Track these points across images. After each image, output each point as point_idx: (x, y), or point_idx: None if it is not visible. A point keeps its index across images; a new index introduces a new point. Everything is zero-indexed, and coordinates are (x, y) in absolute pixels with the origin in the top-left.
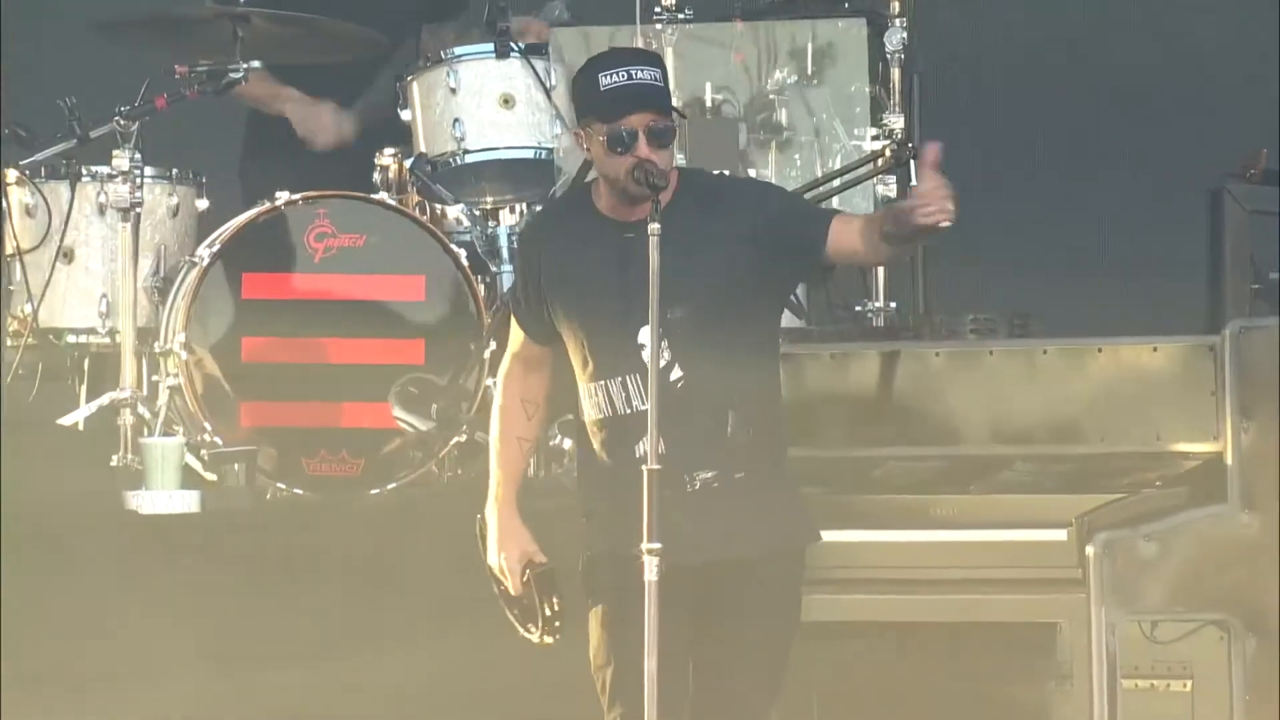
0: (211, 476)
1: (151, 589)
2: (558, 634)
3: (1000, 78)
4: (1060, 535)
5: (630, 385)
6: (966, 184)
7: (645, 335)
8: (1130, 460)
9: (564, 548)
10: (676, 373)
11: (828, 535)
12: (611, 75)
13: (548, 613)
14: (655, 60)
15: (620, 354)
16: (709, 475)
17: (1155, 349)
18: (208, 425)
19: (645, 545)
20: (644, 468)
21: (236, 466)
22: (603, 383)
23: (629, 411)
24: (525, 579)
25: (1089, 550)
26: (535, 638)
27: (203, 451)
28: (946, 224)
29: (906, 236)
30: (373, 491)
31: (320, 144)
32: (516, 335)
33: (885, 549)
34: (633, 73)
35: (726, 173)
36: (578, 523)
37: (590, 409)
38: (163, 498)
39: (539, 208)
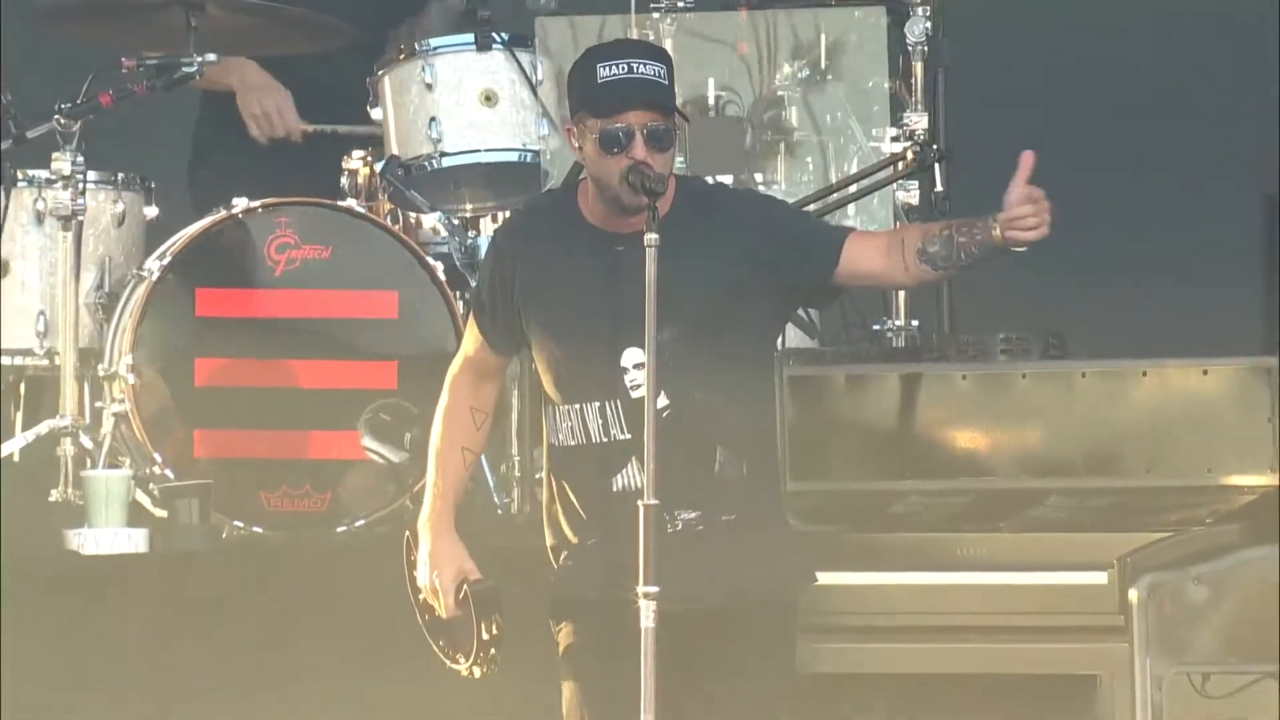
0: (161, 513)
1: (94, 638)
2: (493, 665)
3: (1034, 72)
4: (1100, 578)
5: (609, 411)
6: (996, 189)
7: (630, 358)
8: (1178, 495)
9: (546, 590)
10: (662, 400)
11: (842, 578)
12: (610, 67)
13: (485, 636)
14: (661, 55)
15: (601, 377)
16: (692, 516)
17: (1206, 371)
18: (157, 456)
19: (642, 588)
20: (639, 503)
21: (189, 502)
22: (578, 406)
23: (606, 440)
24: (461, 596)
25: (1132, 594)
26: (463, 667)
27: (152, 485)
28: (1035, 236)
29: (965, 258)
30: (340, 529)
31: (259, 132)
32: (474, 339)
33: (906, 593)
34: (634, 66)
35: (729, 180)
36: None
37: (561, 434)
38: (107, 537)
39: (519, 207)
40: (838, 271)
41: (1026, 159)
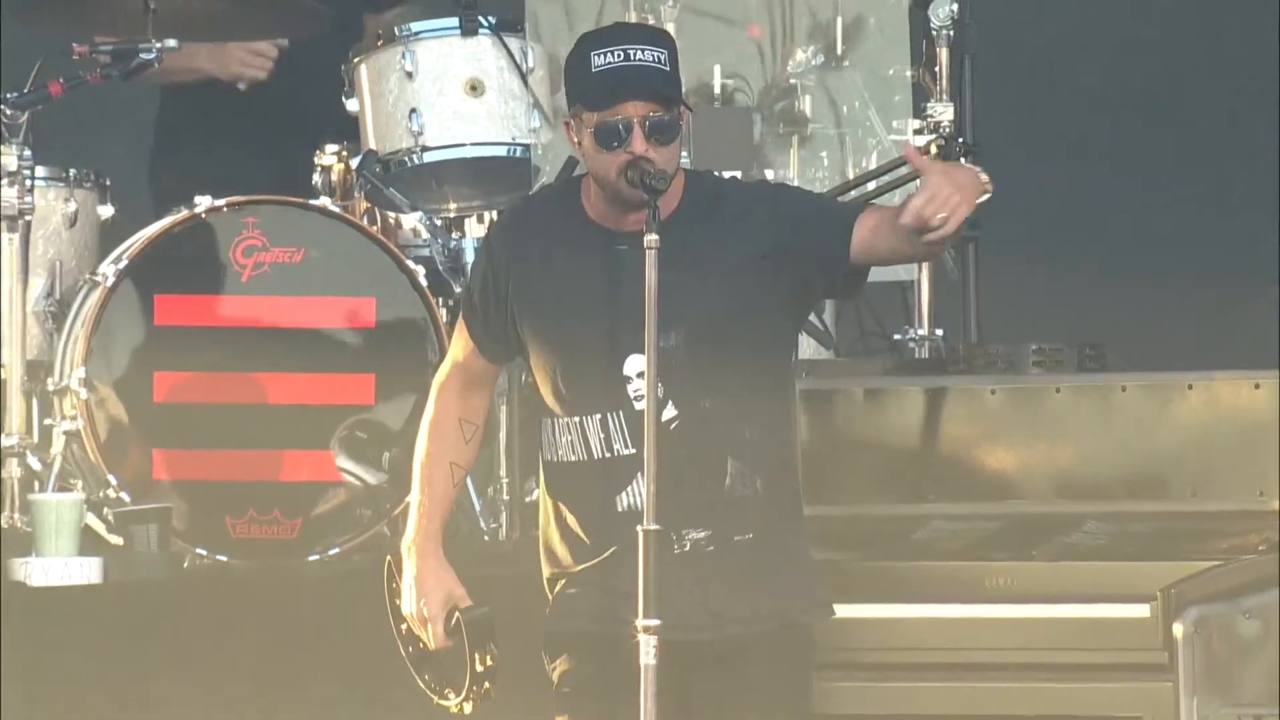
0: (117, 540)
1: (42, 676)
2: (486, 699)
3: (1068, 59)
4: (1142, 611)
5: (612, 424)
6: (1026, 187)
7: (632, 366)
8: (1227, 520)
9: (538, 622)
10: (670, 411)
11: (860, 610)
12: (606, 54)
13: (479, 668)
14: (663, 40)
15: (602, 386)
16: (701, 536)
17: (1257, 385)
18: (112, 478)
19: (640, 621)
20: (639, 528)
21: (147, 528)
22: (578, 419)
23: (609, 456)
24: (453, 624)
25: (1177, 629)
26: (453, 703)
27: (106, 510)
28: (953, 227)
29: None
30: (312, 558)
31: (256, 71)
32: (463, 344)
33: (929, 627)
34: (631, 52)
35: (738, 175)
36: (542, 591)
37: (560, 450)
38: (58, 566)
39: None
40: (853, 251)
41: (907, 150)
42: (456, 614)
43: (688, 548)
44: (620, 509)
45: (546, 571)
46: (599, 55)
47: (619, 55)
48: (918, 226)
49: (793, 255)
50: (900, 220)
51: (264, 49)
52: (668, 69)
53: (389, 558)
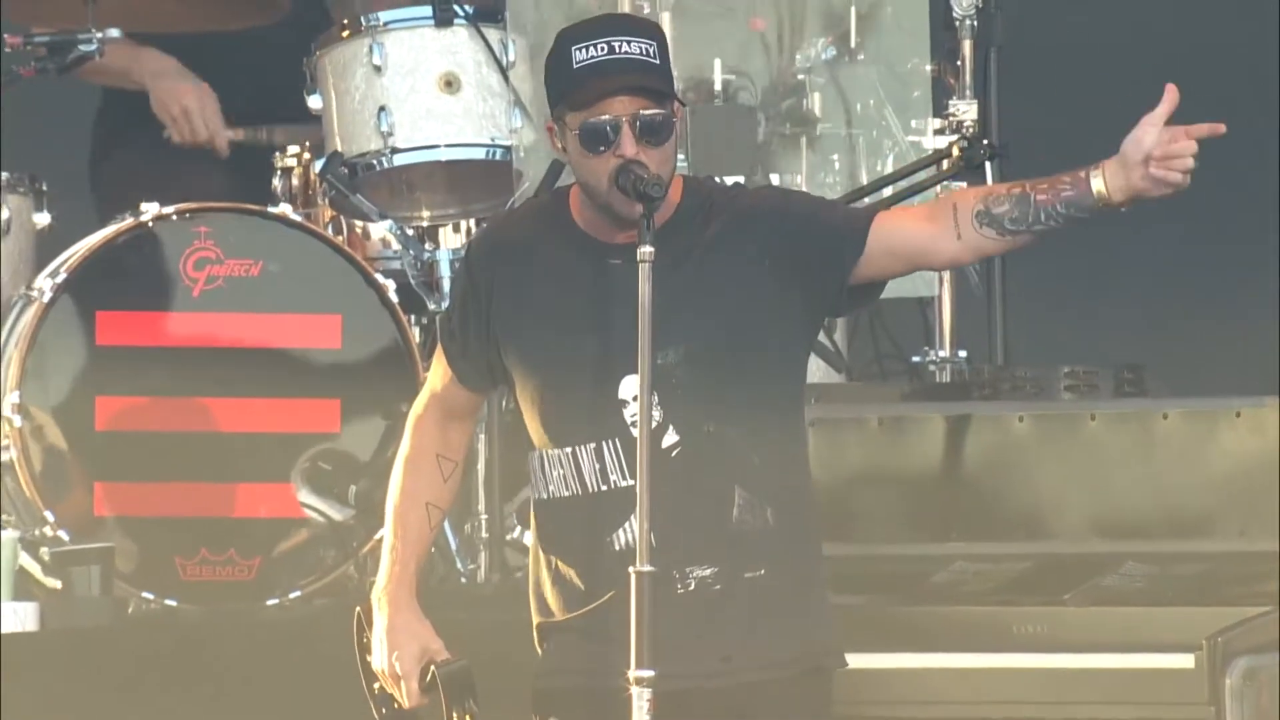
0: (55, 583)
1: None
2: None
3: (1101, 54)
4: (1186, 661)
5: (608, 454)
6: None
7: (628, 388)
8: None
9: (522, 676)
10: (670, 437)
11: (875, 660)
12: (587, 48)
13: None
14: (650, 30)
15: (596, 413)
16: (707, 573)
17: None
18: (49, 515)
19: (633, 672)
20: (631, 569)
21: (88, 570)
22: (569, 450)
23: (605, 489)
24: (428, 679)
25: (1226, 681)
26: None
27: (43, 550)
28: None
29: (1044, 220)
30: (271, 602)
31: (179, 135)
32: (442, 372)
33: (952, 678)
34: (616, 45)
35: (741, 180)
36: (530, 642)
37: (551, 485)
38: None
39: (499, 215)
40: (866, 259)
41: (1171, 93)
42: (432, 668)
43: (693, 586)
44: (618, 548)
45: (536, 620)
46: (580, 49)
47: (602, 48)
48: (1175, 153)
49: (802, 260)
50: (1139, 139)
51: (209, 126)
52: (656, 61)
53: (359, 609)
